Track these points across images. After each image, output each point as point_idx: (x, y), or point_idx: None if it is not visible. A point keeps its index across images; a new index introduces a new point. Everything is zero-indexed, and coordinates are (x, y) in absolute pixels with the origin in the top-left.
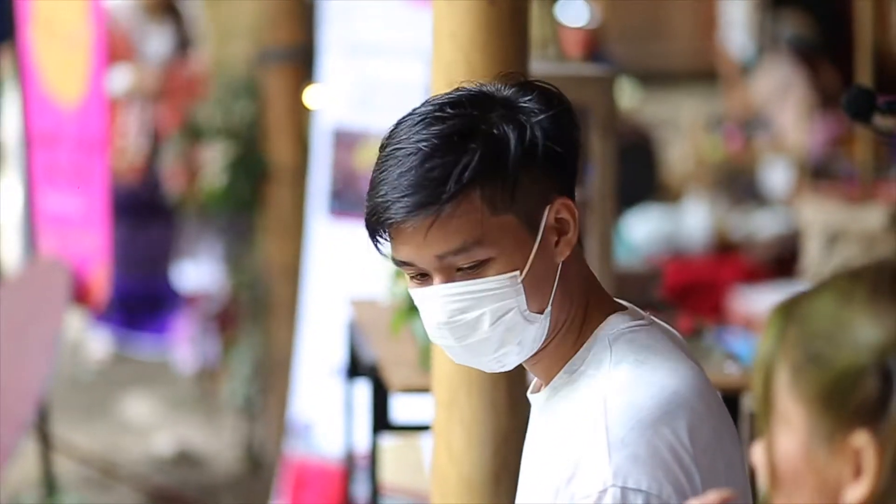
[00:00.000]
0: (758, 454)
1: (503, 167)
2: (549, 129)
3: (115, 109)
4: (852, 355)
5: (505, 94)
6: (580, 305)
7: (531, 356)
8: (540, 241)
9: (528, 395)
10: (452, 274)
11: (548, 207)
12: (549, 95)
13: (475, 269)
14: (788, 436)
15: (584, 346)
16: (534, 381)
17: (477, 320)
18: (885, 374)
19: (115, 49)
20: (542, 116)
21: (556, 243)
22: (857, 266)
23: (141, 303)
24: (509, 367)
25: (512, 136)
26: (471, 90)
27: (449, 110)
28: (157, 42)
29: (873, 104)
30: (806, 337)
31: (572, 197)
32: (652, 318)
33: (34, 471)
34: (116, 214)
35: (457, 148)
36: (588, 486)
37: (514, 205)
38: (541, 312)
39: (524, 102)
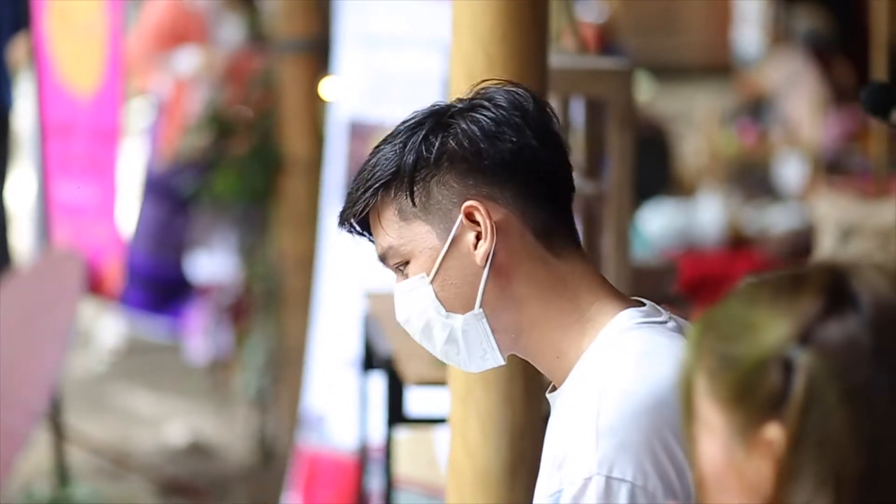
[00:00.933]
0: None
1: (404, 177)
2: (469, 136)
3: (179, 90)
4: (756, 352)
5: (460, 105)
6: (569, 302)
7: (532, 357)
8: (452, 244)
9: (547, 395)
10: (398, 275)
11: (460, 209)
12: (497, 99)
13: (402, 272)
14: (710, 440)
15: (594, 342)
16: (551, 384)
17: (412, 323)
18: (786, 365)
19: (188, 31)
20: (464, 124)
21: (476, 246)
22: (766, 274)
23: (161, 285)
24: (492, 366)
25: (415, 147)
26: (435, 105)
27: (401, 126)
28: (230, 30)
29: (892, 100)
30: (717, 341)
31: (520, 199)
32: (673, 316)
33: (46, 461)
34: (149, 195)
35: (381, 159)
36: (575, 472)
37: (423, 211)
38: (464, 313)
39: (459, 110)
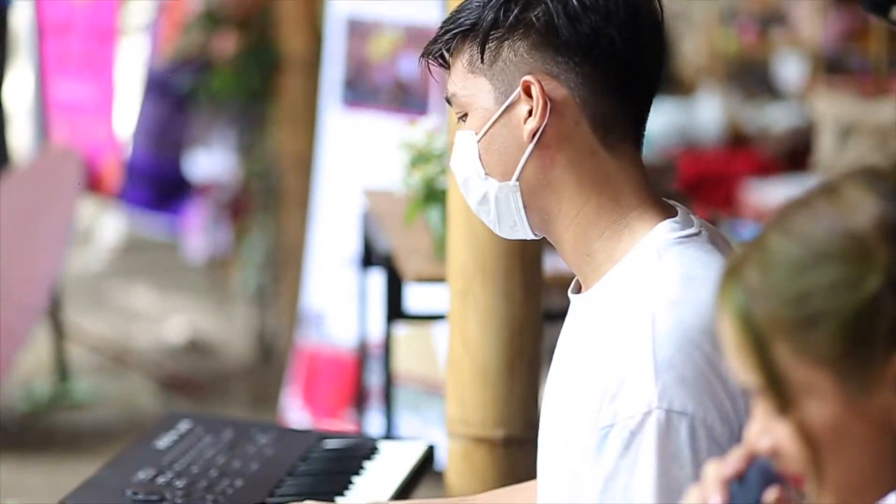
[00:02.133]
0: (765, 440)
1: (479, 31)
2: (552, 10)
3: None
4: (857, 293)
5: None
6: (609, 201)
7: (560, 246)
8: (505, 112)
9: (569, 293)
10: (459, 122)
11: (521, 82)
12: None
13: (463, 121)
14: (817, 403)
15: (631, 254)
16: (575, 279)
17: (457, 173)
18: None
19: None
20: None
21: (526, 120)
22: (761, 232)
23: (161, 183)
24: (521, 237)
25: (498, 6)
26: None
27: None
28: None
29: None
30: (787, 304)
31: (590, 87)
32: (701, 222)
33: (46, 358)
34: (148, 94)
35: (467, 8)
36: (632, 406)
37: (490, 70)
38: (501, 180)
39: None
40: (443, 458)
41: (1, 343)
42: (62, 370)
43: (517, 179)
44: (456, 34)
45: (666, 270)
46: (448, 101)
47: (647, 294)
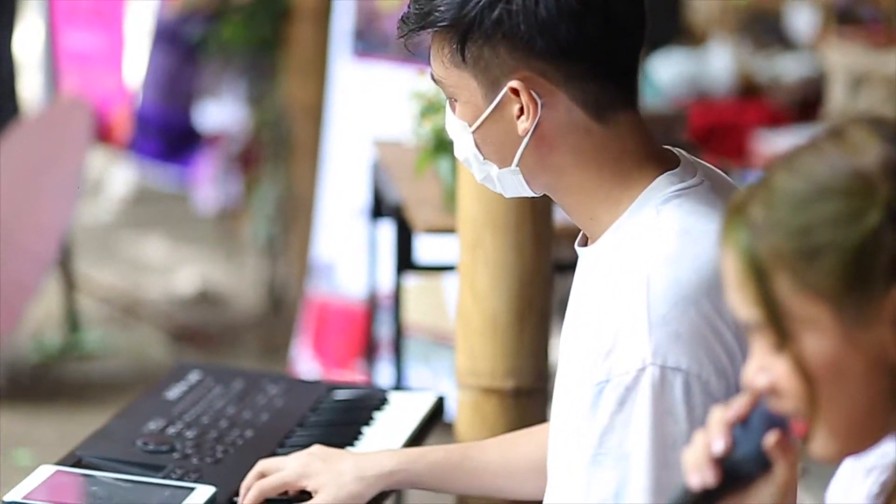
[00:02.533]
0: (762, 377)
1: (457, 32)
2: (529, 16)
3: None
4: (858, 227)
5: None
6: (610, 171)
7: (565, 210)
8: (495, 110)
9: (576, 246)
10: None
11: (507, 81)
12: None
13: (453, 102)
14: (815, 336)
15: (630, 208)
16: (581, 232)
17: (456, 148)
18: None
19: None
20: (528, 2)
21: (519, 117)
22: (767, 173)
23: (171, 134)
24: (526, 196)
25: (475, 9)
26: None
27: None
28: None
29: None
30: (789, 237)
31: (585, 81)
32: (706, 167)
33: (57, 309)
34: (158, 44)
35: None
36: (626, 362)
37: (473, 69)
38: (501, 167)
39: None
40: (452, 409)
41: (11, 294)
42: (73, 321)
43: (517, 165)
44: (430, 28)
45: (663, 226)
46: (434, 79)
47: (644, 250)
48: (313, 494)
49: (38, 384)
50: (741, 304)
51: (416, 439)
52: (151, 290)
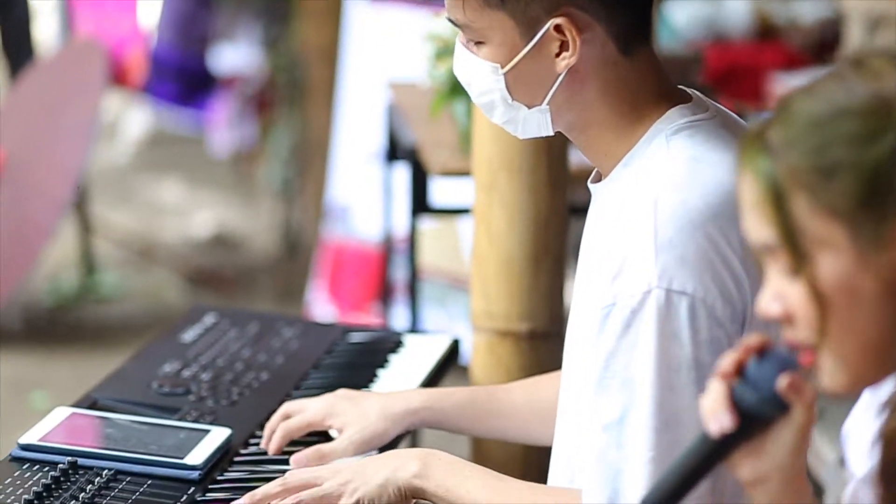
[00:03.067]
0: (776, 305)
1: None
2: None
3: None
4: (876, 146)
5: None
6: (629, 103)
7: (581, 148)
8: (534, 48)
9: (588, 183)
10: (468, 44)
11: (549, 18)
12: None
13: (476, 45)
14: (830, 256)
15: (643, 139)
16: (595, 169)
17: (474, 93)
18: None
19: None
20: None
21: (558, 55)
22: (787, 99)
23: (186, 77)
24: (543, 135)
25: None
26: None
27: None
28: None
29: None
30: (807, 155)
31: (614, 18)
32: (718, 107)
33: (73, 252)
34: None
35: None
36: (632, 285)
37: (507, 6)
38: (530, 106)
39: None
40: (467, 351)
41: (28, 237)
42: (89, 264)
43: (547, 104)
44: None
45: (673, 154)
46: (451, 22)
47: (653, 177)
48: (338, 434)
49: (54, 327)
50: (758, 227)
51: (431, 382)
52: (167, 233)
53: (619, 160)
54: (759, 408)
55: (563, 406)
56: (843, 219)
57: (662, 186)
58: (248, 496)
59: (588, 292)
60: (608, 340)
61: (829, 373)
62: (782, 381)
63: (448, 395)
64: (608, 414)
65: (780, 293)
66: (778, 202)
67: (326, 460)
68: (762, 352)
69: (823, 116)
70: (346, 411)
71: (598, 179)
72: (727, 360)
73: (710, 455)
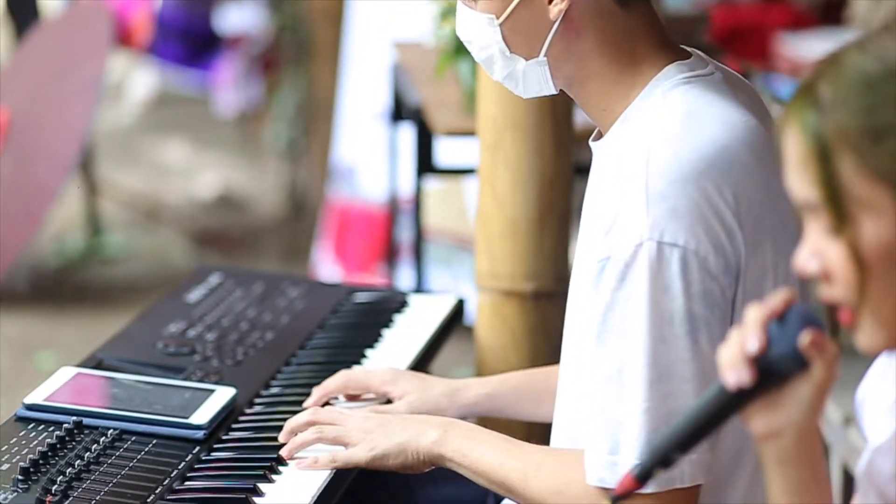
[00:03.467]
0: (813, 262)
1: None
2: None
3: None
4: None
5: None
6: (627, 56)
7: (581, 103)
8: None
9: (590, 142)
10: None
11: None
12: None
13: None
14: (874, 221)
15: (640, 95)
16: (596, 129)
17: (474, 50)
18: None
19: None
20: None
21: (551, 1)
22: (838, 52)
23: (192, 38)
24: (546, 94)
25: None
26: None
27: None
28: None
29: None
30: (856, 115)
31: None
32: (718, 64)
33: (79, 212)
34: None
35: None
36: (625, 238)
37: None
38: (528, 58)
39: None
40: (472, 312)
41: (33, 198)
42: (94, 225)
43: (545, 55)
44: None
45: (668, 108)
46: None
47: (648, 131)
48: (396, 401)
49: (59, 287)
50: (800, 185)
51: (436, 342)
52: (172, 194)
53: (618, 116)
54: (779, 363)
55: (564, 363)
56: (889, 183)
57: (655, 140)
58: (285, 430)
59: (587, 247)
60: (604, 294)
61: (867, 333)
62: (805, 338)
63: (504, 380)
64: (607, 367)
65: (818, 251)
66: (823, 161)
67: None
68: (785, 309)
69: (876, 76)
70: (408, 380)
71: (599, 138)
72: (752, 316)
73: (724, 407)
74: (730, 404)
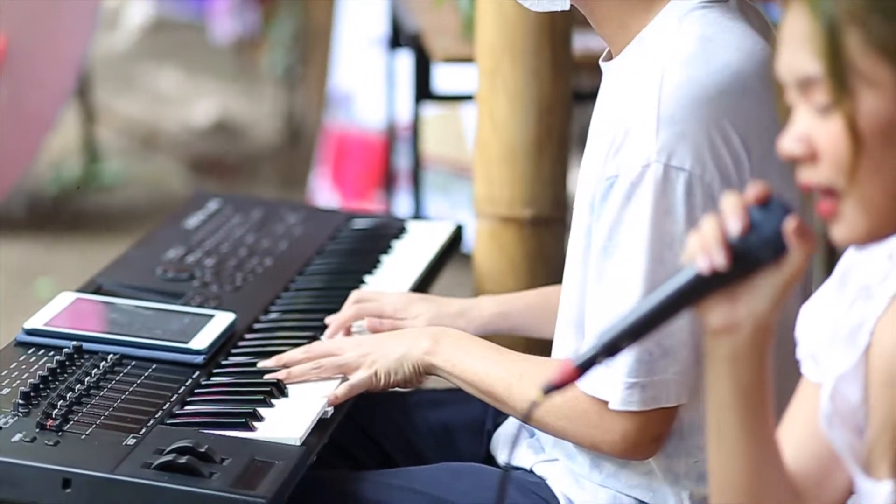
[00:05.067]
0: (799, 144)
1: None
2: None
3: None
4: None
5: None
6: None
7: (595, 20)
8: None
9: (600, 62)
10: None
11: None
12: None
13: None
14: (874, 97)
15: (656, 18)
16: (606, 48)
17: None
18: None
19: None
20: None
21: None
22: None
23: None
24: (558, 10)
25: None
26: None
27: None
28: None
29: None
30: None
31: None
32: None
33: (76, 139)
34: None
35: None
36: (633, 158)
37: None
38: None
39: None
40: (470, 239)
41: (30, 125)
42: (91, 152)
43: None
44: None
45: (684, 32)
46: None
47: (662, 53)
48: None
49: (57, 215)
50: (801, 58)
51: (434, 268)
52: (169, 121)
53: (633, 35)
54: (758, 249)
55: (567, 283)
56: (893, 60)
57: (670, 62)
58: (274, 358)
59: (594, 164)
60: (611, 211)
61: (848, 220)
62: (790, 223)
63: (518, 298)
64: (611, 281)
65: (806, 133)
66: (830, 34)
67: None
68: (765, 199)
69: None
70: (422, 305)
71: (610, 59)
72: (733, 200)
73: (683, 295)
74: (689, 293)
